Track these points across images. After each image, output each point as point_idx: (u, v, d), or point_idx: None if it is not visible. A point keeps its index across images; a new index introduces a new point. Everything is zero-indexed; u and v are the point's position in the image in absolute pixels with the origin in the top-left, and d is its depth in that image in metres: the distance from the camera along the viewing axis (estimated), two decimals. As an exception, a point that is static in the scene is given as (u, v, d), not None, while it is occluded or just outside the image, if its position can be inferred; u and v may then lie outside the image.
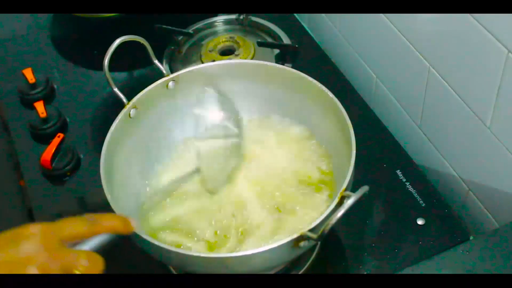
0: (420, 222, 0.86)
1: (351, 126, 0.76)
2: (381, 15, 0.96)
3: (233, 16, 1.19)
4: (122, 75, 1.14)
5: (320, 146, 0.86)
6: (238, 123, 0.83)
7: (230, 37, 1.13)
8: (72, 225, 0.57)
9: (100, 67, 0.79)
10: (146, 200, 0.81)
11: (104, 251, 0.58)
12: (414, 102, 0.96)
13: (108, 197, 0.71)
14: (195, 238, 0.77)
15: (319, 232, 0.64)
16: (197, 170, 0.82)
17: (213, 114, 0.91)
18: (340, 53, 1.14)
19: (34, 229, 0.55)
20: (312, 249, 0.83)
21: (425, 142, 0.96)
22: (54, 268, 0.54)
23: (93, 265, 0.56)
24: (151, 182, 0.85)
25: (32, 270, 0.53)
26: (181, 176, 0.84)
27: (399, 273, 0.70)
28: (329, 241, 0.84)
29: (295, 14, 1.23)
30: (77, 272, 0.55)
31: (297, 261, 0.81)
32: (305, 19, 1.24)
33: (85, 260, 0.55)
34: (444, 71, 0.86)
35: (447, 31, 0.82)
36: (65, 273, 0.54)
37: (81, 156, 1.00)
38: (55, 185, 0.98)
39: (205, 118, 0.91)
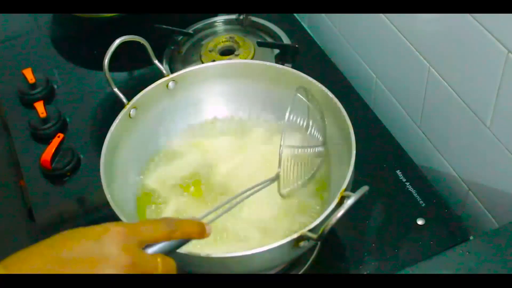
0: (420, 222, 0.86)
1: (351, 126, 0.76)
2: (381, 15, 0.96)
3: (233, 16, 1.19)
4: (122, 75, 1.14)
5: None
6: (323, 131, 0.79)
7: (230, 37, 1.13)
8: (152, 229, 0.57)
9: (100, 67, 0.79)
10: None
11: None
12: (414, 102, 0.96)
13: (108, 197, 0.71)
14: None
15: (319, 232, 0.64)
16: (277, 176, 0.76)
17: (211, 116, 0.91)
18: (340, 53, 1.14)
19: (117, 231, 0.55)
20: (312, 249, 0.83)
21: (425, 142, 0.96)
22: (130, 271, 0.54)
23: (168, 270, 0.57)
24: (151, 182, 0.85)
25: (109, 271, 0.53)
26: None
27: (399, 273, 0.70)
28: (329, 241, 0.84)
29: (295, 14, 1.23)
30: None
31: (297, 261, 0.81)
32: (305, 19, 1.24)
33: (163, 267, 0.57)
34: (444, 71, 0.86)
35: (447, 31, 0.82)
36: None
37: (81, 156, 1.00)
38: (55, 185, 0.98)
39: (203, 120, 0.91)
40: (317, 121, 0.78)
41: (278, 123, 0.90)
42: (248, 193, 0.73)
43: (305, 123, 0.78)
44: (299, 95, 0.77)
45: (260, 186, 0.74)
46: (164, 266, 0.57)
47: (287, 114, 0.75)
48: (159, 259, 0.57)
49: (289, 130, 0.76)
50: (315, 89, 0.82)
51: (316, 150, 0.79)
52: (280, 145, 0.74)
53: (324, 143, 0.79)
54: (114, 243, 0.54)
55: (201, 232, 0.61)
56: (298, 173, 0.76)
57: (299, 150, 0.77)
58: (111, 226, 0.55)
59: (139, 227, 0.57)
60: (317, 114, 0.78)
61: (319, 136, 0.79)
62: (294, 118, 0.77)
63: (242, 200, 0.72)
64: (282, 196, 0.76)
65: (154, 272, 0.56)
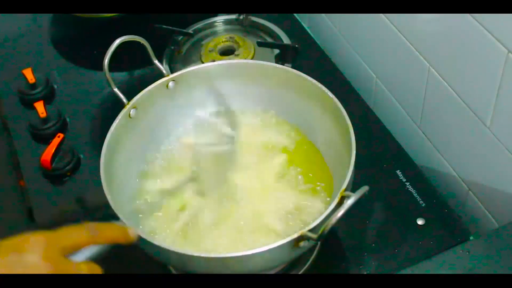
0: (420, 222, 0.86)
1: (351, 126, 0.76)
2: (381, 15, 0.96)
3: (233, 16, 1.19)
4: (122, 75, 1.14)
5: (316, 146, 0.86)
6: (235, 126, 0.82)
7: (230, 37, 1.13)
8: (73, 235, 0.58)
9: (100, 67, 0.79)
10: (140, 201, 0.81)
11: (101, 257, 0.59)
12: (414, 102, 0.96)
13: (108, 197, 0.71)
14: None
15: (319, 232, 0.64)
16: (194, 174, 0.81)
17: (211, 116, 0.91)
18: (340, 53, 1.14)
19: (36, 239, 0.55)
20: (312, 249, 0.83)
21: (425, 142, 0.96)
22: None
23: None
24: (151, 182, 0.85)
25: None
26: (177, 182, 0.84)
27: (399, 273, 0.70)
28: (329, 241, 0.84)
29: (295, 14, 1.23)
30: None
31: (297, 261, 0.81)
32: (305, 19, 1.24)
33: (87, 272, 0.56)
34: (444, 71, 0.86)
35: (447, 31, 0.82)
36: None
37: (81, 156, 1.00)
38: (55, 185, 0.97)
39: (203, 120, 0.91)
40: (229, 116, 0.80)
41: (278, 123, 0.90)
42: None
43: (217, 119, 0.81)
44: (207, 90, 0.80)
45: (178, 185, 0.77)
46: (91, 274, 0.57)
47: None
48: (83, 266, 0.57)
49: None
50: (315, 89, 0.82)
51: (229, 147, 0.82)
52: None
53: (234, 141, 0.82)
54: (34, 252, 0.54)
55: (125, 236, 0.62)
56: (215, 172, 0.79)
57: (213, 147, 0.79)
58: (30, 236, 0.55)
59: (59, 234, 0.57)
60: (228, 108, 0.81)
61: (231, 132, 0.82)
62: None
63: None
64: (200, 194, 0.79)
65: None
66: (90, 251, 0.59)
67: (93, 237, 0.59)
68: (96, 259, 0.58)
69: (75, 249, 0.57)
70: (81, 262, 0.57)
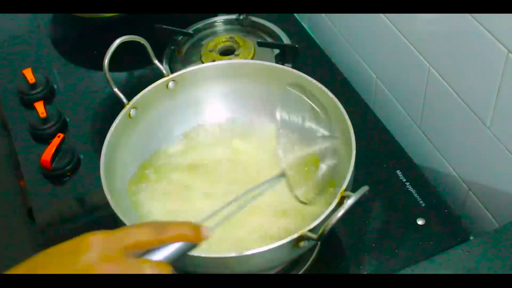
0: (420, 222, 0.86)
1: (351, 126, 0.76)
2: (381, 15, 0.96)
3: (233, 16, 1.19)
4: (122, 75, 1.14)
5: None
6: (328, 123, 0.75)
7: (230, 37, 1.13)
8: (136, 233, 0.53)
9: (100, 67, 0.79)
10: None
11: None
12: (414, 102, 0.96)
13: (108, 197, 0.71)
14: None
15: (319, 232, 0.64)
16: (282, 175, 0.73)
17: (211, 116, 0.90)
18: (340, 53, 1.14)
19: (94, 239, 0.51)
20: (312, 249, 0.83)
21: (425, 142, 0.96)
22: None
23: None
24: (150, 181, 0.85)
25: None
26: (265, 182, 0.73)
27: (399, 273, 0.70)
28: (329, 241, 0.84)
29: (295, 14, 1.23)
30: None
31: (297, 261, 0.81)
32: (305, 19, 1.24)
33: (150, 270, 0.52)
34: (444, 71, 0.86)
35: (447, 31, 0.82)
36: None
37: (81, 156, 1.00)
38: (55, 185, 0.98)
39: (203, 120, 0.90)
40: (316, 115, 0.76)
41: (277, 122, 0.90)
42: (255, 192, 0.68)
43: (301, 120, 0.76)
44: (290, 89, 0.75)
45: (266, 185, 0.70)
46: (156, 272, 0.53)
47: (279, 112, 0.73)
48: (148, 265, 0.52)
49: (286, 128, 0.74)
50: (315, 89, 0.82)
51: (321, 147, 0.76)
52: (279, 142, 0.72)
53: (331, 137, 0.75)
54: (94, 252, 0.50)
55: (196, 234, 0.56)
56: (305, 173, 0.74)
57: (299, 147, 0.76)
58: (89, 235, 0.52)
59: (121, 232, 0.53)
60: (318, 108, 0.75)
61: (322, 130, 0.75)
62: (288, 116, 0.75)
63: (250, 200, 0.67)
64: (300, 202, 0.72)
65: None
66: (163, 252, 0.54)
67: (158, 233, 0.54)
68: (172, 261, 0.54)
69: (140, 247, 0.53)
70: (146, 261, 0.53)
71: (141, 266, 0.52)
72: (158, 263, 0.53)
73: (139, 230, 0.54)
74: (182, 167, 0.86)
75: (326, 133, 0.75)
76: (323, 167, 0.76)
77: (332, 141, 0.76)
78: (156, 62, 0.86)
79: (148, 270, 0.52)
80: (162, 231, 0.54)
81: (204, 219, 0.61)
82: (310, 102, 0.75)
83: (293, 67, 0.93)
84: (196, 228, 0.56)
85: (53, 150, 0.97)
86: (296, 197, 0.72)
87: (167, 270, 0.53)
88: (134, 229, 0.54)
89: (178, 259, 0.55)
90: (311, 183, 0.75)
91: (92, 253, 0.50)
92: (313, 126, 0.76)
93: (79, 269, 0.50)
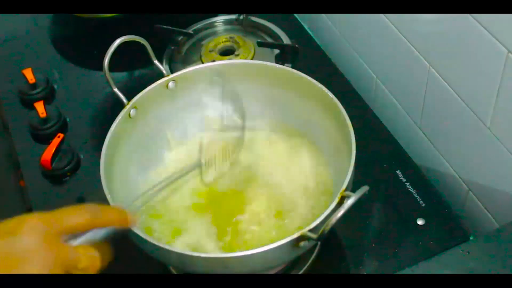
0: (420, 222, 0.86)
1: (351, 126, 0.76)
2: (381, 15, 0.96)
3: (233, 16, 1.19)
4: (122, 75, 1.14)
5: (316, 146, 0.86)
6: (242, 114, 0.81)
7: (230, 37, 1.13)
8: (72, 217, 0.54)
9: (100, 67, 0.79)
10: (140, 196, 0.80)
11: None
12: (414, 102, 0.96)
13: (108, 197, 0.71)
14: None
15: (319, 232, 0.64)
16: (199, 164, 0.81)
17: (217, 106, 0.91)
18: (340, 53, 1.14)
19: (34, 221, 0.51)
20: (312, 249, 0.83)
21: (425, 142, 0.96)
22: (55, 267, 0.50)
23: (92, 263, 0.53)
24: (151, 181, 0.85)
25: (32, 268, 0.49)
26: (182, 169, 0.81)
27: (399, 273, 0.70)
28: (329, 241, 0.84)
29: (295, 14, 1.23)
30: (76, 272, 0.52)
31: (297, 261, 0.81)
32: (305, 19, 1.24)
33: (86, 261, 0.53)
34: (444, 71, 0.86)
35: (447, 31, 0.82)
36: (65, 271, 0.51)
37: (81, 156, 1.00)
38: (55, 185, 0.98)
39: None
40: (235, 104, 0.80)
41: (278, 123, 0.90)
42: (172, 179, 0.76)
43: (223, 109, 0.80)
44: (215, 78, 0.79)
45: (181, 173, 0.77)
46: (87, 260, 0.53)
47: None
48: (81, 251, 0.53)
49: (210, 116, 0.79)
50: (315, 89, 0.82)
51: (235, 135, 0.80)
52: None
53: (242, 127, 0.82)
54: (32, 234, 0.50)
55: (124, 219, 0.59)
56: (220, 160, 0.78)
57: (219, 136, 0.78)
58: (27, 218, 0.51)
59: (58, 215, 0.53)
60: (235, 96, 0.80)
61: (237, 119, 0.80)
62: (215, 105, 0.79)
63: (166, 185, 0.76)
64: (206, 184, 0.78)
65: (77, 266, 0.52)
66: (90, 235, 0.55)
67: (93, 218, 0.55)
68: (94, 244, 0.55)
69: (75, 231, 0.54)
70: (79, 247, 0.54)
71: (76, 251, 0.53)
72: (88, 248, 0.54)
73: (76, 213, 0.54)
74: (182, 167, 0.86)
75: (240, 122, 0.81)
76: (233, 155, 0.81)
77: (242, 130, 0.83)
78: (156, 62, 0.86)
79: (83, 259, 0.53)
80: (96, 215, 0.55)
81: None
82: (232, 93, 0.81)
83: (293, 67, 0.93)
84: (124, 213, 0.59)
85: (53, 150, 0.97)
86: (205, 182, 0.79)
87: (97, 255, 0.54)
88: (70, 212, 0.55)
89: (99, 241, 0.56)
90: (219, 170, 0.81)
91: (32, 236, 0.50)
92: (232, 115, 0.82)
93: (17, 252, 0.49)
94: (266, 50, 1.11)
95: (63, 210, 0.55)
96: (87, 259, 0.53)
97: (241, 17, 1.18)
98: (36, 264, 0.49)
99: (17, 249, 0.49)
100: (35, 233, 0.50)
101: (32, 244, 0.50)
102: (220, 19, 1.19)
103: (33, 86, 1.09)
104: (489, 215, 0.87)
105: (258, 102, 0.90)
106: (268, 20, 1.17)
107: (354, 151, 0.73)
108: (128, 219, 0.60)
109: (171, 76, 0.86)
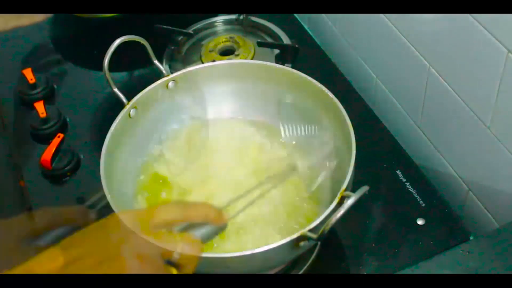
0: (420, 222, 0.86)
1: (351, 126, 0.76)
2: (381, 15, 0.96)
3: (233, 16, 1.19)
4: (122, 75, 1.14)
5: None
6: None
7: (230, 37, 1.13)
8: (163, 211, 0.56)
9: (100, 67, 0.79)
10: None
11: None
12: (414, 102, 0.96)
13: (108, 197, 0.71)
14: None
15: (319, 232, 0.64)
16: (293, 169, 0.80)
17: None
18: (340, 53, 1.14)
19: (123, 217, 0.53)
20: (312, 249, 0.83)
21: (425, 142, 0.96)
22: (152, 253, 0.53)
23: (192, 249, 0.55)
24: (151, 181, 0.85)
25: (129, 258, 0.52)
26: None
27: (399, 273, 0.70)
28: (329, 241, 0.84)
29: (295, 14, 1.23)
30: (176, 256, 0.54)
31: (297, 261, 0.81)
32: (305, 19, 1.24)
33: (184, 244, 0.54)
34: (444, 71, 0.86)
35: (447, 31, 0.82)
36: (164, 257, 0.54)
37: (81, 156, 1.00)
38: (55, 185, 0.97)
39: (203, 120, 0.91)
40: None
41: (278, 123, 0.90)
42: (266, 187, 0.72)
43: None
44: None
45: (279, 178, 0.74)
46: (189, 246, 0.55)
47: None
48: (182, 238, 0.55)
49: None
50: (315, 89, 0.82)
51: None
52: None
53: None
54: (123, 229, 0.52)
55: (218, 216, 0.59)
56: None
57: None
58: (116, 215, 0.54)
59: (149, 210, 0.56)
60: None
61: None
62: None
63: (261, 194, 0.72)
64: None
65: (178, 251, 0.54)
66: (195, 230, 0.57)
67: (186, 211, 0.57)
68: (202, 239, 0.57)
69: (168, 225, 0.56)
70: (179, 234, 0.55)
71: (176, 239, 0.54)
72: (189, 235, 0.56)
73: (166, 208, 0.56)
74: (182, 166, 0.86)
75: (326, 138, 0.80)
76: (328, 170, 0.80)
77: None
78: (156, 62, 0.86)
79: (182, 244, 0.54)
80: (187, 209, 0.57)
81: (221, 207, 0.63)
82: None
83: (293, 67, 0.93)
84: (217, 210, 0.60)
85: (53, 150, 0.97)
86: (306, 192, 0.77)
87: (198, 243, 0.56)
88: (161, 207, 0.56)
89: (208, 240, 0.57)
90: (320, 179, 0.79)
91: (122, 230, 0.52)
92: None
93: (111, 247, 0.52)
94: (266, 50, 1.11)
95: (154, 206, 0.59)
96: (189, 245, 0.55)
97: (241, 17, 1.18)
98: (133, 254, 0.52)
99: (110, 246, 0.52)
100: (125, 226, 0.52)
101: (123, 236, 0.52)
102: (220, 19, 1.19)
103: (33, 86, 1.09)
104: (489, 215, 0.87)
105: (258, 102, 0.90)
106: (268, 20, 1.17)
107: (354, 151, 0.73)
108: (221, 216, 0.60)
109: (171, 76, 0.87)
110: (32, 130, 1.04)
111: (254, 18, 1.18)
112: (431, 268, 0.68)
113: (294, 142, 0.88)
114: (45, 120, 1.03)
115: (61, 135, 1.01)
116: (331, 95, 0.80)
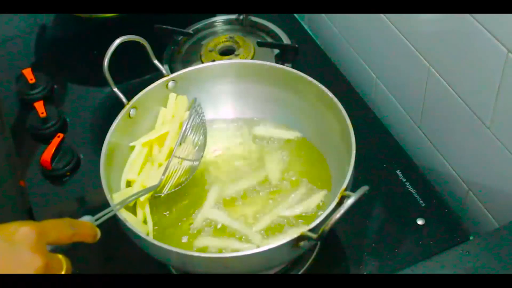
0: (420, 222, 0.86)
1: (351, 126, 0.76)
2: (381, 15, 0.96)
3: (233, 16, 1.19)
4: (122, 75, 1.13)
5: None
6: (203, 147, 0.84)
7: (230, 37, 1.13)
8: (58, 230, 0.59)
9: (100, 67, 0.79)
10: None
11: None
12: (414, 102, 0.96)
13: (108, 197, 0.71)
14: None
15: (319, 232, 0.65)
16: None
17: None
18: (340, 53, 1.14)
19: (27, 231, 0.55)
20: (312, 249, 0.83)
21: (425, 142, 0.96)
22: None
23: (69, 271, 0.58)
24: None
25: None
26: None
27: (399, 273, 0.70)
28: (329, 241, 0.84)
29: (295, 14, 1.23)
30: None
31: (297, 261, 0.81)
32: (305, 19, 1.24)
33: (66, 266, 0.58)
34: (444, 71, 0.86)
35: (447, 31, 0.82)
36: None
37: (81, 156, 1.00)
38: (55, 185, 0.98)
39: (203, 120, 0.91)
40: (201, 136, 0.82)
41: (278, 123, 0.90)
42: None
43: (196, 137, 0.81)
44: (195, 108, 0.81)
45: (142, 192, 0.76)
46: (67, 265, 0.58)
47: (186, 125, 0.78)
48: (60, 257, 0.58)
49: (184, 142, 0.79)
50: (315, 89, 0.82)
51: (194, 164, 0.82)
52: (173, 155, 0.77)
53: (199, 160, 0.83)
54: (24, 244, 0.55)
55: (94, 236, 0.63)
56: (176, 182, 0.79)
57: (186, 162, 0.80)
58: (21, 226, 0.56)
59: (46, 226, 0.58)
60: (202, 129, 0.82)
61: (200, 151, 0.82)
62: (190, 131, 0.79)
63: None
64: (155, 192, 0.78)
65: (59, 272, 0.57)
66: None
67: (73, 235, 0.60)
68: (61, 251, 0.59)
69: (57, 244, 0.58)
70: (58, 255, 0.58)
71: (59, 260, 0.58)
72: (66, 257, 0.59)
73: (60, 227, 0.59)
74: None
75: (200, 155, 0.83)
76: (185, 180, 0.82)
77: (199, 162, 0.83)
78: (156, 62, 0.86)
79: (64, 265, 0.58)
80: (75, 231, 0.60)
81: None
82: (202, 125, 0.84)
83: (293, 67, 0.93)
84: (95, 230, 0.63)
85: (53, 150, 0.97)
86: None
87: (70, 263, 0.59)
88: (55, 225, 0.59)
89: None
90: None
91: (23, 244, 0.55)
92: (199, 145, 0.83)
93: (12, 258, 0.54)
94: (266, 50, 1.11)
95: (50, 221, 0.59)
96: (67, 265, 0.58)
97: (241, 17, 1.18)
98: (26, 271, 0.54)
99: (11, 255, 0.54)
100: (27, 242, 0.55)
101: (25, 251, 0.54)
102: (220, 19, 1.19)
103: (33, 86, 1.09)
104: (489, 215, 0.87)
105: (258, 102, 0.90)
106: (268, 20, 1.17)
107: (354, 151, 0.73)
108: (96, 235, 0.64)
109: (171, 76, 0.87)
110: (32, 130, 1.04)
111: (254, 18, 1.18)
112: (431, 268, 0.68)
113: (293, 142, 0.88)
114: (45, 120, 1.03)
115: (61, 135, 1.01)
116: (331, 95, 0.80)
